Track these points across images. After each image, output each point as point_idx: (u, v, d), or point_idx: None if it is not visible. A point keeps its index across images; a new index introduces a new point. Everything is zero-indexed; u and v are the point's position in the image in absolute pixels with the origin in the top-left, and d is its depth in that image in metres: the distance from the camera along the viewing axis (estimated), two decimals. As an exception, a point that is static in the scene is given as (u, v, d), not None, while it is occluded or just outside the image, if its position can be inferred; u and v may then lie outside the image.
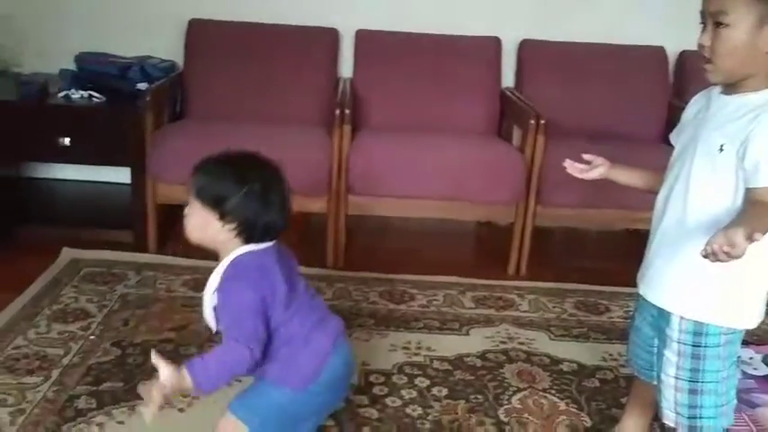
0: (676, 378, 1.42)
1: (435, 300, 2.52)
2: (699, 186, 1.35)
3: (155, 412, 1.27)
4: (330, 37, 3.15)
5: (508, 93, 3.13)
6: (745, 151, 1.26)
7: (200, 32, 3.09)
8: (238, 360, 1.33)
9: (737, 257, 1.12)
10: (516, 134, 2.95)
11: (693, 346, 1.39)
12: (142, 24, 3.15)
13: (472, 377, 2.05)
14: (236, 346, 1.32)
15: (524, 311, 2.49)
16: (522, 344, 2.26)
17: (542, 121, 2.67)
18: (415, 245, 3.09)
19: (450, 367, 2.10)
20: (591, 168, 1.63)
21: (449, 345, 2.22)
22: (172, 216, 3.05)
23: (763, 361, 2.16)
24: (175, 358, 2.00)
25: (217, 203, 1.37)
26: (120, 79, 2.89)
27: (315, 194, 2.65)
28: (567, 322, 2.43)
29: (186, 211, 1.42)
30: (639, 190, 1.61)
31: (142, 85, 2.84)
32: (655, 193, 1.49)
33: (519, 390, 2.01)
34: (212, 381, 1.31)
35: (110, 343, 2.10)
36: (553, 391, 2.01)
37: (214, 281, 1.40)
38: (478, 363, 2.14)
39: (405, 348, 2.19)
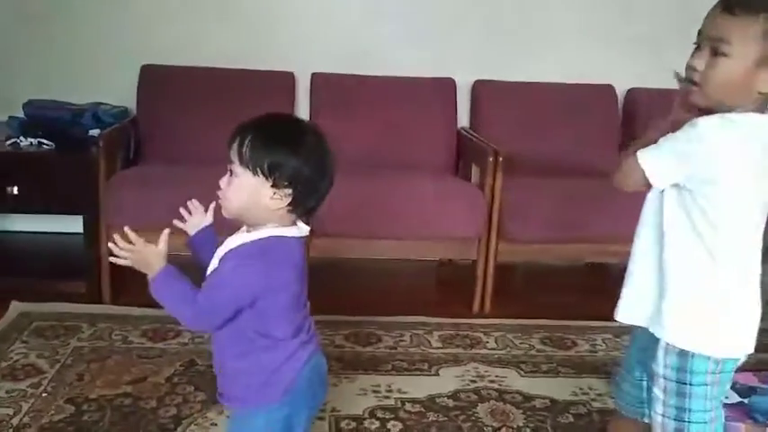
0: (663, 416, 1.36)
1: (402, 341, 2.48)
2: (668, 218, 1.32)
3: (116, 250, 1.33)
4: (286, 80, 3.14)
5: (464, 132, 3.16)
6: None
7: (152, 78, 3.05)
8: (181, 315, 1.30)
9: None
10: (475, 172, 2.97)
11: (678, 382, 1.33)
12: (94, 71, 3.11)
13: (446, 418, 2.01)
14: (192, 307, 1.27)
15: (492, 349, 2.46)
16: (492, 382, 2.23)
17: (500, 158, 2.69)
18: (378, 285, 3.05)
19: (422, 409, 2.05)
20: None
21: (419, 386, 2.17)
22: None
23: (733, 389, 2.16)
24: (135, 412, 1.93)
25: (272, 170, 1.26)
26: (71, 126, 2.80)
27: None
28: (536, 358, 2.41)
29: (224, 183, 1.32)
30: None
31: (94, 132, 2.76)
32: None
33: (494, 429, 1.97)
34: (158, 295, 1.30)
35: (63, 400, 1.99)
36: (528, 429, 1.98)
37: (229, 245, 1.31)
38: (451, 403, 2.09)
39: (375, 392, 2.13)
